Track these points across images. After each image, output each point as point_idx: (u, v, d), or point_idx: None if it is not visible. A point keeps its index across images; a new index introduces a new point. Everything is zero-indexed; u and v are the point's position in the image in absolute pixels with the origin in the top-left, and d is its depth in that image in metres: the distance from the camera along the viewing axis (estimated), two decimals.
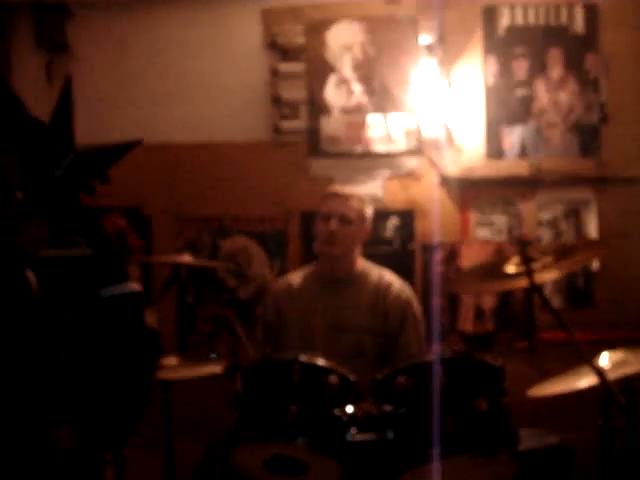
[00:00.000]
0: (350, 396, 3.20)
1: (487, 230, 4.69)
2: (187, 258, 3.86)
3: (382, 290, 3.90)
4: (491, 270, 3.76)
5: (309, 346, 3.58)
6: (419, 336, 3.85)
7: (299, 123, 4.82)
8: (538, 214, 4.69)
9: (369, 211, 3.96)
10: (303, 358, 3.20)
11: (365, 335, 3.81)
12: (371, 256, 4.45)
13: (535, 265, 3.38)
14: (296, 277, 4.06)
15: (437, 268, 4.67)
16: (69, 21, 5.04)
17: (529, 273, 3.40)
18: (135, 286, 2.32)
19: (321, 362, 3.24)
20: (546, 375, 3.49)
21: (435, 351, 3.64)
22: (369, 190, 4.75)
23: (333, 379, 3.17)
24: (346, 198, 3.88)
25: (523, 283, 3.59)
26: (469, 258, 4.65)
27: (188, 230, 4.91)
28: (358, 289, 3.90)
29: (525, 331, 4.64)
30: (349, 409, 3.13)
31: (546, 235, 4.69)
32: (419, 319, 3.88)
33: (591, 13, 4.65)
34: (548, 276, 3.62)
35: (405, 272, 4.48)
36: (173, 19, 4.95)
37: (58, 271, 2.21)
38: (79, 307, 2.19)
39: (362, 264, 3.98)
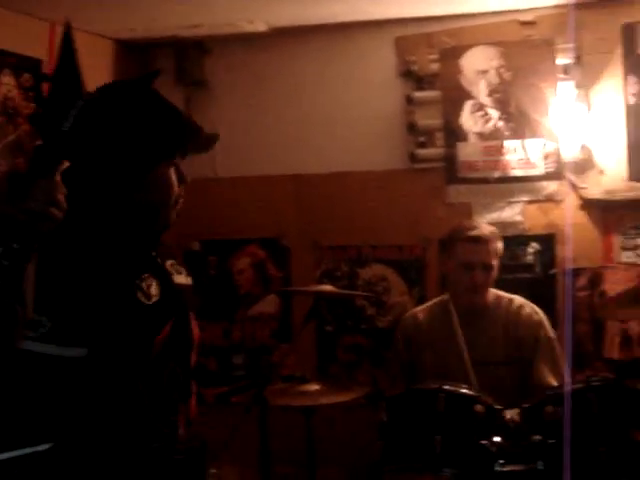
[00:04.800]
0: (496, 426, 3.16)
1: (632, 254, 4.55)
2: (328, 288, 3.88)
3: (512, 316, 3.86)
4: (638, 295, 3.67)
5: None
6: (555, 357, 3.76)
7: (435, 150, 4.79)
8: None
9: (501, 243, 3.92)
10: (448, 387, 3.17)
11: (501, 367, 3.76)
12: (511, 282, 4.39)
13: None
14: (422, 311, 4.04)
15: (580, 294, 4.56)
16: (207, 57, 5.16)
17: None
18: None
19: (466, 391, 3.21)
20: None
21: (583, 379, 3.56)
22: (508, 216, 4.68)
23: (479, 408, 3.13)
24: (485, 242, 3.80)
25: None
26: (614, 283, 4.51)
27: (326, 260, 4.93)
28: (490, 320, 3.86)
29: None
30: (497, 439, 3.08)
31: None
32: (553, 340, 3.80)
33: None
34: None
35: (546, 298, 4.40)
36: (307, 50, 5.01)
37: None
38: None
39: (493, 293, 3.94)
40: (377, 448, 3.26)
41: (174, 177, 2.23)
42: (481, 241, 3.79)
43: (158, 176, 2.19)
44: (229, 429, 3.41)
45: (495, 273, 3.86)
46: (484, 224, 4.02)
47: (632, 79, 4.55)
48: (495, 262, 3.84)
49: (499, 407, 3.20)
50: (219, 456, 4.37)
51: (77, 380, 2.06)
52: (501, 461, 3.05)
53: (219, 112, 5.14)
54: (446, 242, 3.92)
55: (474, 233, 3.81)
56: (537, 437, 3.04)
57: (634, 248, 4.56)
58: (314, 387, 3.68)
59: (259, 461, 3.55)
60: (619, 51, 4.55)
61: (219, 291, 5.03)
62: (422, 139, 4.82)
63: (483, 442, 3.07)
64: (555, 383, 3.61)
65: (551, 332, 3.84)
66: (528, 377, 3.70)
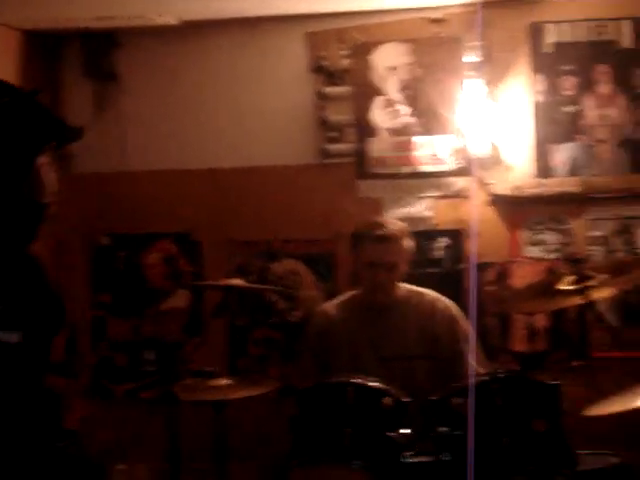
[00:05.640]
0: (404, 418, 3.19)
1: (537, 249, 4.66)
2: (238, 281, 3.87)
3: (426, 310, 3.88)
4: (543, 289, 3.75)
5: None
6: (475, 350, 3.81)
7: (346, 145, 4.82)
8: (589, 231, 4.64)
9: (410, 242, 3.92)
10: (356, 380, 3.20)
11: (417, 361, 3.79)
12: (420, 277, 4.44)
13: (590, 283, 3.35)
14: (334, 307, 4.04)
15: (487, 288, 4.64)
16: (117, 50, 5.09)
17: (584, 291, 3.38)
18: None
19: (374, 384, 3.24)
20: (602, 394, 3.43)
21: (489, 371, 3.62)
22: (417, 211, 4.74)
23: (387, 401, 3.16)
24: (390, 242, 3.78)
25: (576, 301, 3.56)
26: (520, 277, 4.61)
27: (238, 254, 4.92)
28: (401, 315, 3.88)
29: (579, 350, 4.59)
30: (404, 431, 3.12)
31: (597, 252, 4.63)
32: (469, 333, 3.85)
33: (639, 27, 4.60)
34: (602, 294, 3.59)
35: (455, 292, 4.46)
36: (218, 44, 4.98)
37: None
38: None
39: (404, 288, 3.96)
40: (287, 441, 3.27)
41: (52, 172, 2.23)
42: (385, 241, 3.77)
43: (38, 171, 2.19)
44: (138, 425, 3.40)
45: (403, 270, 3.87)
46: (392, 221, 4.00)
47: (539, 77, 4.65)
48: (401, 260, 3.83)
49: (407, 400, 3.23)
50: (128, 453, 4.35)
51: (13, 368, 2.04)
52: (408, 452, 3.09)
53: (131, 105, 5.09)
54: (353, 240, 3.93)
55: (378, 232, 3.78)
56: (444, 429, 3.09)
57: (540, 243, 4.66)
58: (224, 382, 3.67)
59: (169, 457, 3.53)
60: (526, 49, 4.65)
61: (128, 286, 4.99)
62: (333, 134, 4.84)
63: (391, 434, 3.11)
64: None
65: (468, 327, 3.87)
66: (448, 372, 3.69)
